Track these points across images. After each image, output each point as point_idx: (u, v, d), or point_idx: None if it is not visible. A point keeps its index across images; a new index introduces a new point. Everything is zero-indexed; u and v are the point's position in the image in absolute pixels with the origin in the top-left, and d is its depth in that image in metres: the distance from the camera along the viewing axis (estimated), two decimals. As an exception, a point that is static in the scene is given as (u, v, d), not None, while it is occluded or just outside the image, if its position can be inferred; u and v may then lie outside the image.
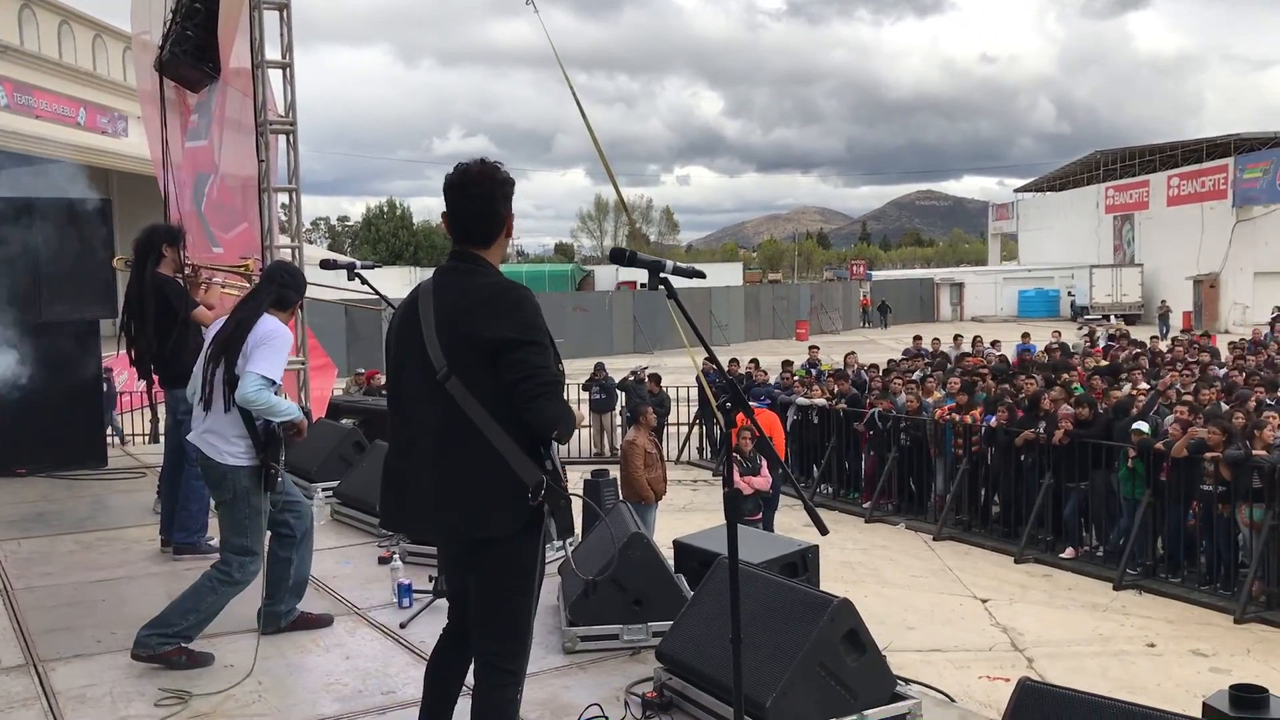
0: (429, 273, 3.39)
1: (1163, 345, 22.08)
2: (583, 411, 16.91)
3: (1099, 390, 13.04)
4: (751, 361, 18.58)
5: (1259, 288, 42.72)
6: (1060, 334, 24.19)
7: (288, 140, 9.34)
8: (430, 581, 5.43)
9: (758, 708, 3.56)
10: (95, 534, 7.12)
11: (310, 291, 5.58)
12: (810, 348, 22.48)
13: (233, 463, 4.57)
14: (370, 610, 5.46)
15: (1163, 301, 44.48)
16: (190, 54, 8.98)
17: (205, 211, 9.82)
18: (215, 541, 5.53)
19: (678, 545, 5.70)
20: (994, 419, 12.51)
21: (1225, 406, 11.96)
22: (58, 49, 34.05)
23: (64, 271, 8.69)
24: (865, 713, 3.75)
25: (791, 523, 11.28)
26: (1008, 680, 7.78)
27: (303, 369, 9.53)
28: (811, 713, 3.65)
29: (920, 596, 10.42)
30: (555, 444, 3.13)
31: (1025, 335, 24.71)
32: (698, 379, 15.57)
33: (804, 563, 5.34)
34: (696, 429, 18.49)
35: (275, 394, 4.55)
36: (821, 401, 15.27)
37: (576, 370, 9.95)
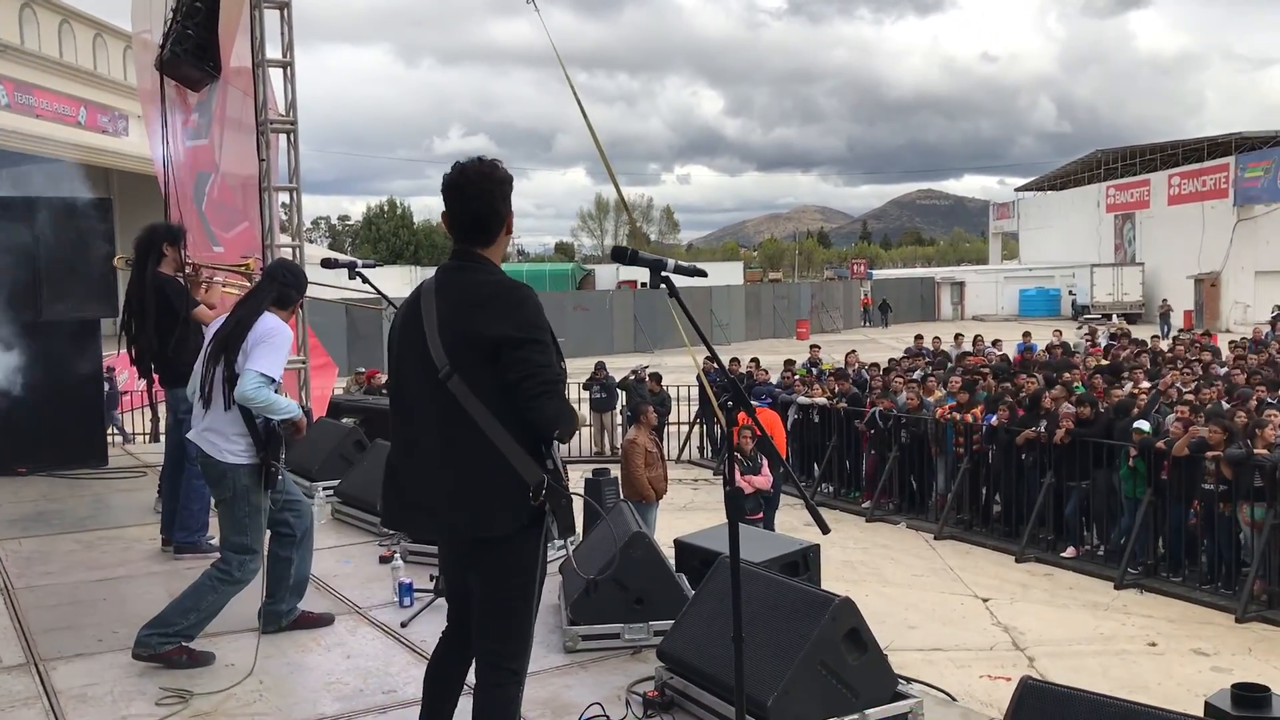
0: (430, 272, 3.39)
1: (1163, 345, 22.10)
2: (583, 411, 16.95)
3: (1100, 389, 13.04)
4: (752, 360, 18.59)
5: (1260, 287, 42.74)
6: (1061, 333, 24.21)
7: (288, 139, 9.35)
8: (431, 580, 5.43)
9: (759, 707, 3.55)
10: (96, 533, 7.12)
11: (311, 290, 5.58)
12: (811, 347, 22.49)
13: (233, 461, 4.57)
14: (371, 609, 5.46)
15: (1164, 300, 44.47)
16: (191, 53, 8.98)
17: (206, 211, 9.82)
18: (216, 541, 5.53)
19: (679, 544, 5.70)
20: (995, 418, 12.50)
21: (1226, 405, 11.96)
22: (58, 48, 34.06)
23: (64, 271, 8.69)
24: (867, 712, 3.75)
25: (793, 522, 11.29)
26: (1009, 679, 7.78)
27: (303, 368, 9.54)
28: (813, 712, 3.65)
29: (921, 596, 10.42)
30: (556, 443, 3.13)
31: (1026, 334, 24.71)
32: (698, 378, 15.56)
33: (805, 562, 5.34)
34: (697, 428, 18.49)
35: (275, 392, 4.55)
36: (822, 400, 15.27)
37: (577, 369, 9.94)
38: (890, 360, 18.91)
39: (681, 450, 18.15)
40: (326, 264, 6.15)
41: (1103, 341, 23.34)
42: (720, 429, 16.35)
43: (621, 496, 9.28)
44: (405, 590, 5.43)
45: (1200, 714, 3.48)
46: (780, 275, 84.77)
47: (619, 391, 18.19)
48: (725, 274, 53.00)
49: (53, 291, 8.69)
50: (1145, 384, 13.86)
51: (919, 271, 73.22)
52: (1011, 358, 19.60)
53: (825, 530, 3.15)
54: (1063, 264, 55.11)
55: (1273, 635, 9.22)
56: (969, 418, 12.85)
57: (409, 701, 4.17)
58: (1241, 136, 47.48)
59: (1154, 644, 9.03)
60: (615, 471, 10.18)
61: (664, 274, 3.12)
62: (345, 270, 5.92)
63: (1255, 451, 9.76)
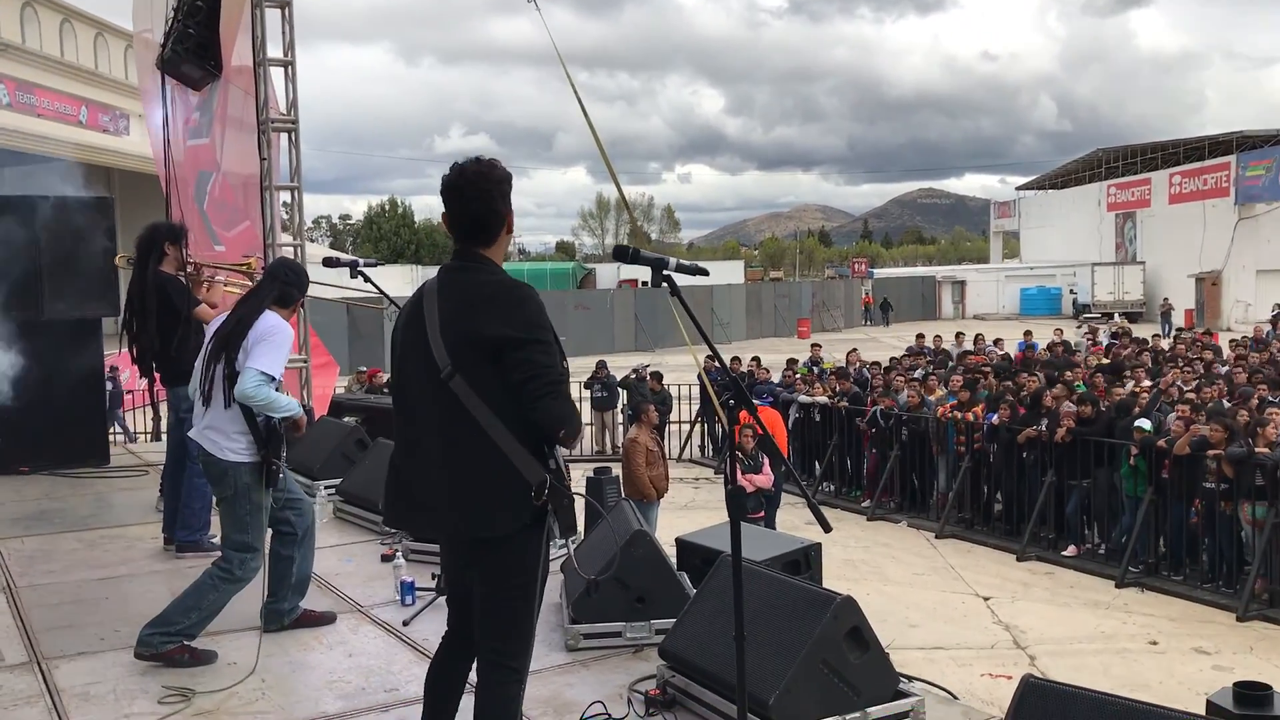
0: (431, 271, 3.40)
1: (1164, 344, 22.09)
2: (584, 410, 16.95)
3: (1101, 388, 13.04)
4: (753, 359, 18.59)
5: (1261, 285, 42.75)
6: (1062, 331, 24.20)
7: (289, 138, 9.35)
8: (433, 579, 5.43)
9: (761, 705, 3.56)
10: (98, 532, 7.13)
11: (312, 290, 5.58)
12: (812, 345, 22.48)
13: (234, 459, 4.57)
14: (373, 608, 5.46)
15: (1165, 299, 44.47)
16: (192, 52, 8.99)
17: (207, 210, 9.83)
18: (218, 539, 5.54)
19: (680, 543, 5.70)
20: (996, 417, 12.50)
21: (1228, 404, 11.96)
22: (59, 47, 34.06)
23: (66, 269, 8.70)
24: (868, 710, 3.75)
25: (794, 521, 11.29)
26: (1010, 678, 7.79)
27: (305, 367, 9.54)
28: (814, 710, 3.65)
29: (922, 594, 10.42)
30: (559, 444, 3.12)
31: (1027, 333, 24.71)
32: (699, 376, 15.56)
33: (807, 560, 5.34)
34: (698, 427, 18.49)
35: (276, 390, 4.56)
36: (823, 399, 15.27)
37: (578, 368, 9.93)
38: (891, 359, 18.91)
39: (683, 449, 18.16)
40: (328, 263, 6.16)
41: (1104, 340, 23.34)
42: (721, 428, 16.36)
43: (623, 495, 9.29)
44: (407, 589, 5.43)
45: (1202, 713, 3.48)
46: (781, 274, 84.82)
47: (620, 390, 18.19)
48: (726, 273, 52.98)
49: (54, 290, 8.70)
50: (1146, 383, 13.86)
51: (920, 270, 73.21)
52: (1013, 356, 19.59)
53: (827, 529, 3.15)
54: (1064, 263, 55.11)
55: (1274, 634, 9.22)
56: (970, 416, 12.85)
57: (411, 700, 4.18)
58: (1242, 135, 47.48)
59: (1155, 643, 9.03)
60: (617, 470, 10.19)
61: (666, 273, 3.12)
62: (347, 269, 5.93)
63: (1256, 450, 9.75)
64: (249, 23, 9.02)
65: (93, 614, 5.37)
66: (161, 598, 5.07)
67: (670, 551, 5.40)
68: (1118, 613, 9.80)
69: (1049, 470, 11.68)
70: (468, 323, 3.02)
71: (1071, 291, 53.34)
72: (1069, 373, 14.57)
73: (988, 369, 15.81)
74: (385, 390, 14.87)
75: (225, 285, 6.81)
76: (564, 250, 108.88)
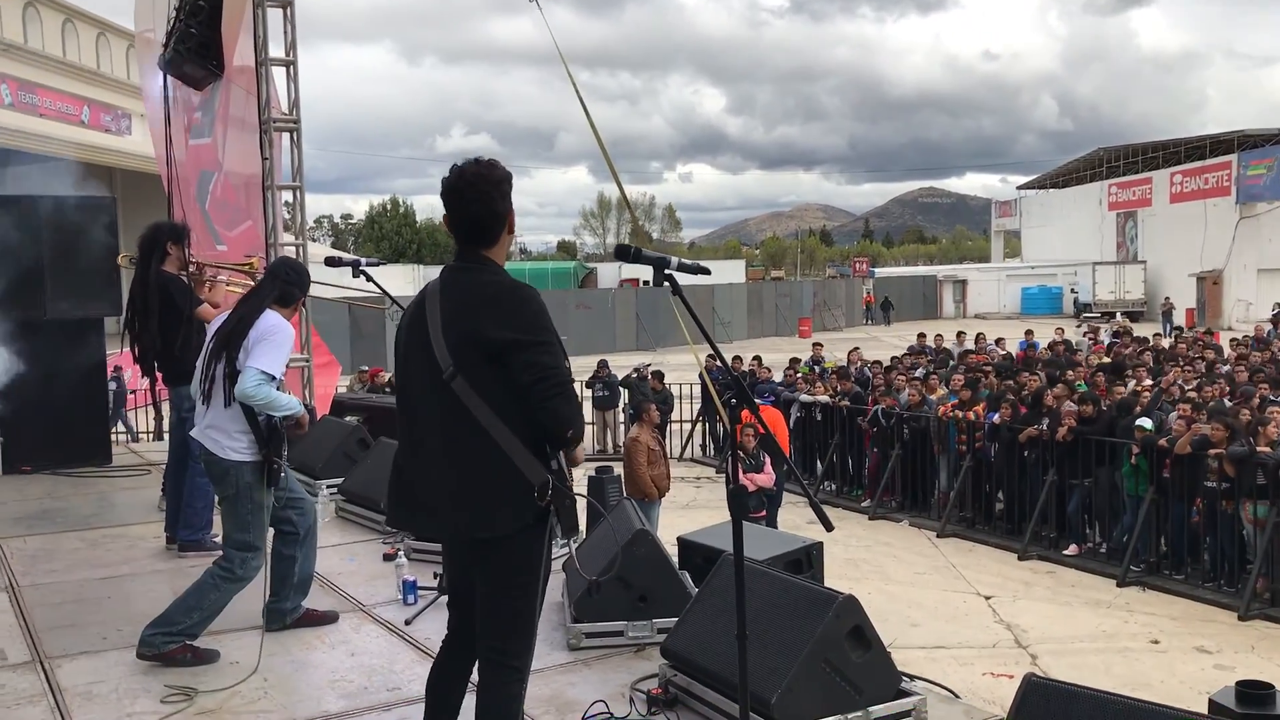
0: (432, 270, 3.41)
1: (1164, 343, 22.07)
2: (585, 409, 16.95)
3: (1102, 387, 13.03)
4: (755, 358, 18.60)
5: (1262, 284, 42.74)
6: (1063, 331, 24.19)
7: (291, 138, 9.36)
8: (435, 578, 5.44)
9: (763, 704, 3.56)
10: (100, 531, 7.13)
11: (314, 289, 5.59)
12: (814, 345, 22.49)
13: (235, 458, 4.57)
14: (375, 607, 5.47)
15: (1166, 299, 44.46)
16: (194, 52, 8.98)
17: (209, 209, 9.83)
18: (220, 539, 5.55)
19: (682, 542, 5.70)
20: (997, 416, 12.50)
21: (1229, 403, 11.95)
22: (61, 47, 34.09)
23: (68, 269, 8.71)
24: (870, 709, 3.75)
25: (795, 520, 11.30)
26: (1011, 677, 7.79)
27: (307, 366, 9.55)
28: (817, 709, 3.65)
29: (924, 593, 10.42)
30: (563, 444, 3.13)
31: (1029, 332, 24.71)
32: (701, 376, 15.57)
33: (808, 559, 5.34)
34: (700, 426, 18.50)
35: (277, 389, 4.56)
36: (825, 398, 15.27)
37: (579, 367, 9.96)
38: (893, 358, 18.91)
39: (684, 448, 18.17)
40: (330, 262, 6.15)
41: (1105, 339, 23.33)
42: (723, 427, 16.36)
43: (624, 494, 9.30)
44: (409, 588, 5.44)
45: (1204, 712, 3.49)
46: (782, 273, 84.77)
47: (621, 390, 18.20)
48: (728, 272, 53.01)
49: (56, 290, 8.70)
50: (1148, 382, 13.85)
51: (921, 269, 73.20)
52: (1014, 356, 19.59)
53: (829, 527, 3.16)
54: (1065, 262, 55.11)
55: (1275, 633, 9.22)
56: (971, 415, 12.85)
57: (413, 699, 4.18)
58: (1244, 134, 47.47)
59: (1156, 642, 9.03)
60: (618, 469, 10.19)
61: (667, 272, 3.13)
62: (349, 269, 5.93)
63: (1258, 449, 9.75)
64: (251, 22, 9.02)
65: (95, 613, 5.38)
66: (164, 597, 5.07)
67: (672, 551, 5.40)
68: (1119, 612, 9.80)
69: (1050, 469, 11.68)
70: (469, 324, 3.03)
71: (1073, 291, 53.34)
72: (1070, 372, 14.57)
73: (989, 368, 15.81)
74: (387, 389, 14.89)
75: (227, 285, 6.82)
76: (565, 250, 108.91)
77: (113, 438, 14.68)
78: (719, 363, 3.30)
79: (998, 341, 22.03)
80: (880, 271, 69.21)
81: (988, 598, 10.27)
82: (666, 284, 3.14)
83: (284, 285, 4.77)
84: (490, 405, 2.99)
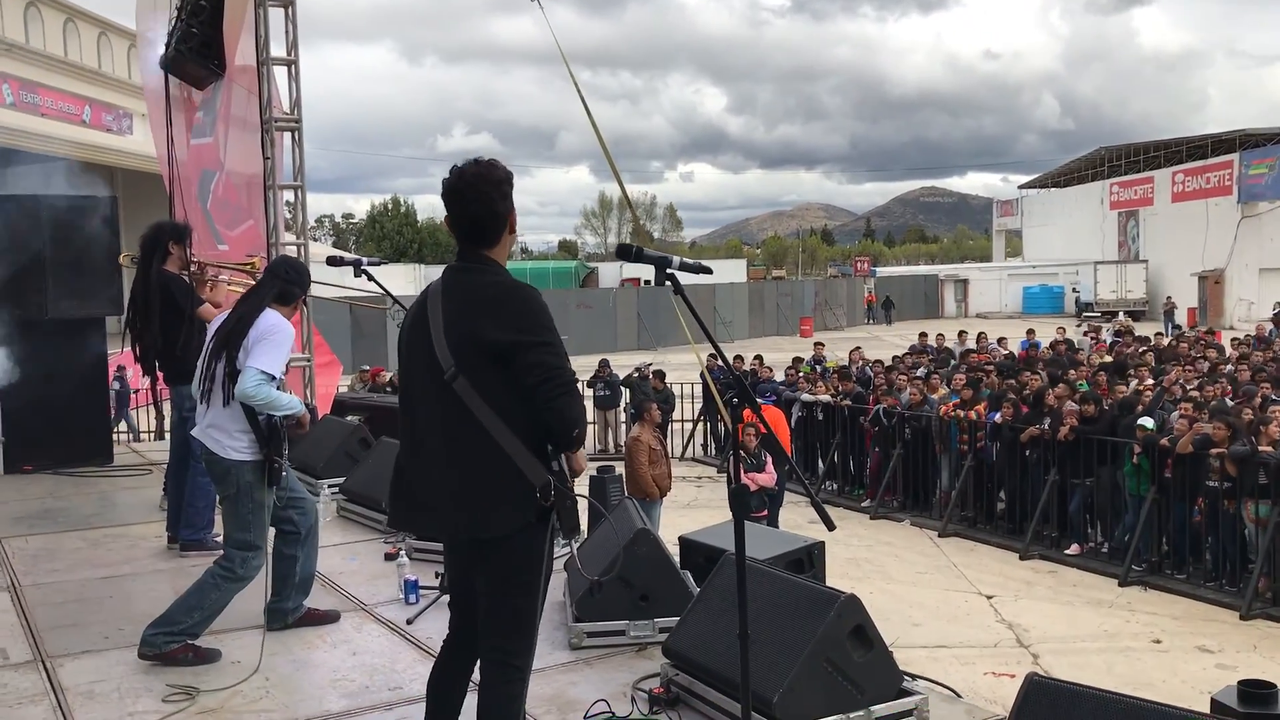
0: (434, 270, 3.42)
1: (1164, 342, 22.04)
2: (587, 408, 16.95)
3: (1104, 387, 13.02)
4: (756, 358, 18.61)
5: (1264, 284, 42.69)
6: (1065, 330, 24.19)
7: (293, 137, 9.36)
8: (436, 578, 5.44)
9: (765, 703, 3.56)
10: (101, 531, 7.14)
11: (315, 289, 5.58)
12: (815, 344, 22.48)
13: (236, 457, 4.57)
14: (377, 606, 5.47)
15: (1168, 298, 44.45)
16: (196, 51, 8.99)
17: (210, 209, 9.83)
18: (221, 538, 5.55)
19: (683, 541, 5.70)
20: (999, 415, 12.50)
21: (1231, 402, 11.94)
22: (63, 47, 34.11)
23: (70, 268, 8.71)
24: (872, 708, 3.75)
25: (797, 519, 11.29)
26: (1013, 676, 7.79)
27: (308, 366, 9.54)
28: (818, 708, 3.65)
29: (925, 593, 10.42)
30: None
31: (1030, 331, 24.71)
32: (702, 375, 15.57)
33: (810, 559, 5.34)
34: (701, 425, 18.50)
35: (277, 389, 4.55)
36: (826, 398, 15.27)
37: (580, 367, 9.93)
38: (894, 358, 18.91)
39: (685, 448, 18.17)
40: (332, 262, 6.15)
41: (1108, 338, 23.32)
42: (724, 426, 16.36)
43: (626, 494, 9.29)
44: (411, 587, 5.44)
45: (1206, 711, 3.48)
46: (784, 273, 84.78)
47: (623, 389, 18.21)
48: (729, 271, 53.05)
49: (58, 289, 8.70)
50: (1150, 381, 13.85)
51: (923, 269, 73.22)
52: (1016, 355, 19.58)
53: (831, 527, 3.15)
54: (1066, 261, 55.10)
55: (1277, 632, 9.21)
56: (973, 415, 12.85)
57: (415, 698, 4.18)
58: (1245, 134, 47.45)
59: (1158, 641, 9.02)
60: (620, 469, 10.18)
61: (669, 271, 3.12)
62: (350, 268, 5.92)
63: (1260, 449, 9.75)
64: (252, 22, 9.02)
65: (97, 613, 5.38)
66: (165, 596, 5.07)
67: (673, 550, 5.40)
68: (1121, 611, 9.80)
69: (1052, 469, 11.68)
70: (471, 324, 3.03)
71: (1074, 290, 53.33)
72: (1072, 371, 14.56)
73: (990, 367, 15.80)
74: (388, 389, 14.90)
75: (229, 284, 6.82)
76: (566, 249, 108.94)
77: (116, 437, 14.71)
78: (720, 362, 3.29)
79: (1000, 341, 22.02)
80: (882, 271, 69.22)
81: (989, 597, 10.27)
82: (668, 283, 3.14)
83: (283, 284, 4.76)
84: (492, 406, 3.00)
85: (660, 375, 17.70)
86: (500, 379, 3.00)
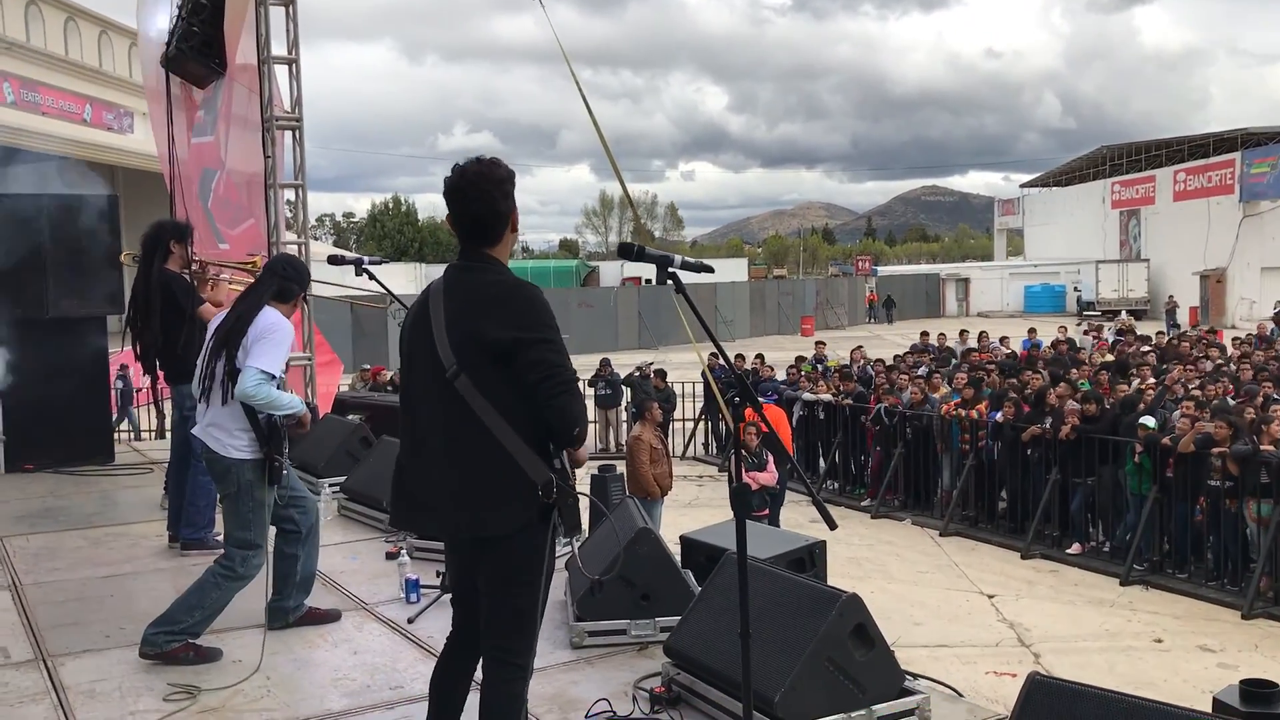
0: (435, 269, 3.41)
1: (1164, 340, 22.02)
2: (588, 408, 16.94)
3: (1105, 386, 13.01)
4: (757, 356, 18.61)
5: (1266, 283, 42.65)
6: (1066, 329, 24.18)
7: (294, 136, 9.36)
8: (437, 577, 5.44)
9: (766, 702, 3.55)
10: (103, 529, 7.14)
11: (316, 288, 5.58)
12: (817, 343, 22.48)
13: (236, 456, 4.57)
14: (378, 605, 5.47)
15: (1170, 297, 44.43)
16: (197, 50, 8.98)
17: (211, 208, 9.82)
18: (222, 537, 5.55)
19: (684, 540, 5.70)
20: (1000, 414, 12.49)
21: (1233, 401, 11.94)
22: (64, 45, 34.12)
23: (70, 267, 8.71)
24: (874, 708, 3.75)
25: (798, 518, 11.29)
26: (1014, 676, 7.78)
27: (309, 365, 9.54)
28: (820, 707, 3.65)
29: (927, 592, 10.42)
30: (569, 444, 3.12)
31: (1032, 330, 24.70)
32: (703, 374, 15.57)
33: (811, 558, 5.34)
34: (702, 424, 18.50)
35: (277, 388, 4.55)
36: (827, 397, 15.26)
37: (582, 366, 9.91)
38: (895, 357, 18.90)
39: (686, 447, 18.17)
40: (334, 260, 6.15)
41: (1110, 337, 23.31)
42: (725, 425, 16.35)
43: (627, 493, 9.28)
44: (412, 586, 5.44)
45: (1208, 711, 3.48)
46: (785, 272, 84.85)
47: (624, 388, 18.21)
48: (730, 270, 53.07)
49: (59, 288, 8.71)
50: (1151, 380, 13.83)
51: (924, 268, 73.24)
52: (1018, 354, 19.57)
53: (833, 526, 3.15)
54: (1068, 260, 55.08)
55: (1279, 632, 9.21)
56: (974, 414, 12.84)
57: (416, 697, 4.18)
58: (1247, 132, 47.41)
59: (1160, 640, 9.02)
60: (621, 468, 10.18)
61: (671, 270, 3.12)
62: (352, 267, 5.92)
63: (1261, 448, 9.74)
64: (253, 21, 9.01)
65: (98, 611, 5.38)
66: (166, 595, 5.07)
67: (675, 549, 5.40)
68: (1122, 610, 9.79)
69: (1053, 468, 11.67)
70: (473, 323, 3.03)
71: (1076, 289, 53.30)
72: (1074, 371, 14.55)
73: (992, 366, 15.80)
74: (389, 388, 14.89)
75: (230, 283, 6.81)
76: (567, 248, 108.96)
77: (120, 435, 14.70)
78: (722, 361, 3.28)
79: (1002, 340, 22.01)
80: (883, 270, 69.23)
81: (990, 596, 10.27)
82: (670, 282, 3.13)
83: (282, 281, 4.75)
84: (493, 404, 2.99)
85: (661, 374, 17.70)
86: (502, 377, 2.99)
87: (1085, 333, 25.45)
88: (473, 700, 3.25)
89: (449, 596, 3.49)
